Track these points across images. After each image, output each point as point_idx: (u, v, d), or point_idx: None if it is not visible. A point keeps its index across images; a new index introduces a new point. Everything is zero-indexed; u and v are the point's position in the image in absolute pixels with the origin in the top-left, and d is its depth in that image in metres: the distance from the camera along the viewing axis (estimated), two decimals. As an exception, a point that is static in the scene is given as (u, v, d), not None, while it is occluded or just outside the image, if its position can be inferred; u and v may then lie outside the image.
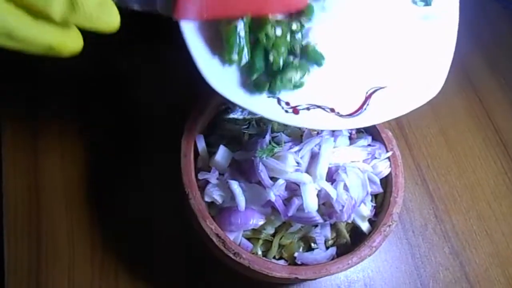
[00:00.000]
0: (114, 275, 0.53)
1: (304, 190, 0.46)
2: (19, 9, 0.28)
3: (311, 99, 0.43)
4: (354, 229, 0.52)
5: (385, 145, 0.54)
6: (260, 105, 0.42)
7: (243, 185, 0.47)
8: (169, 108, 0.61)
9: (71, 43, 0.31)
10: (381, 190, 0.52)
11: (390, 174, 0.53)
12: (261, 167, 0.46)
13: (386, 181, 0.53)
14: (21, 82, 0.63)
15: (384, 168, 0.52)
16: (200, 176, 0.49)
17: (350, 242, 0.51)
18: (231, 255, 0.45)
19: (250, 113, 0.55)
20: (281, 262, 0.50)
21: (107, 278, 0.53)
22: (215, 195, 0.48)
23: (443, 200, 0.66)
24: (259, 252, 0.50)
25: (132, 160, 0.60)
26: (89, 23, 0.30)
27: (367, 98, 0.44)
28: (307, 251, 0.51)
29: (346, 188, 0.47)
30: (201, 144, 0.51)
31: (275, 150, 0.47)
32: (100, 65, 0.65)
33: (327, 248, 0.51)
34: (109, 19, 0.31)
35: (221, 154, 0.49)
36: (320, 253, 0.50)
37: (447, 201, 0.66)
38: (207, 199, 0.48)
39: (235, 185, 0.47)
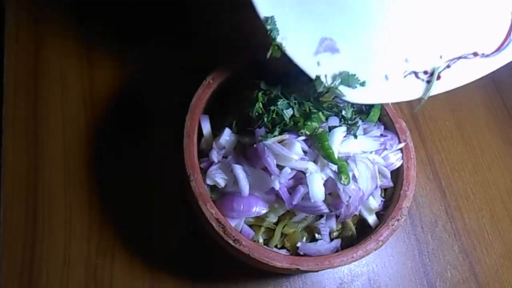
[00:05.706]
0: (111, 254, 0.52)
1: (310, 179, 0.43)
2: None
3: (448, 52, 0.38)
4: (361, 222, 0.50)
5: (398, 135, 0.51)
6: (401, 90, 0.40)
7: (247, 169, 0.45)
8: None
9: None
10: (391, 184, 0.50)
11: (401, 166, 0.50)
12: (267, 152, 0.44)
13: (397, 174, 0.51)
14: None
15: (395, 160, 0.50)
16: (203, 159, 0.47)
17: (356, 235, 0.50)
18: (230, 242, 0.43)
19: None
20: (283, 251, 0.48)
21: (104, 257, 0.52)
22: (218, 178, 0.46)
23: (455, 196, 0.63)
24: (261, 240, 0.48)
25: (134, 139, 0.59)
26: None
27: None
28: (310, 241, 0.49)
29: (354, 179, 0.45)
30: (206, 125, 0.49)
31: (282, 137, 0.45)
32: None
33: (332, 240, 0.49)
34: None
35: (226, 136, 0.47)
36: (324, 244, 0.48)
37: (459, 198, 0.63)
38: (209, 182, 0.46)
39: (239, 169, 0.45)
